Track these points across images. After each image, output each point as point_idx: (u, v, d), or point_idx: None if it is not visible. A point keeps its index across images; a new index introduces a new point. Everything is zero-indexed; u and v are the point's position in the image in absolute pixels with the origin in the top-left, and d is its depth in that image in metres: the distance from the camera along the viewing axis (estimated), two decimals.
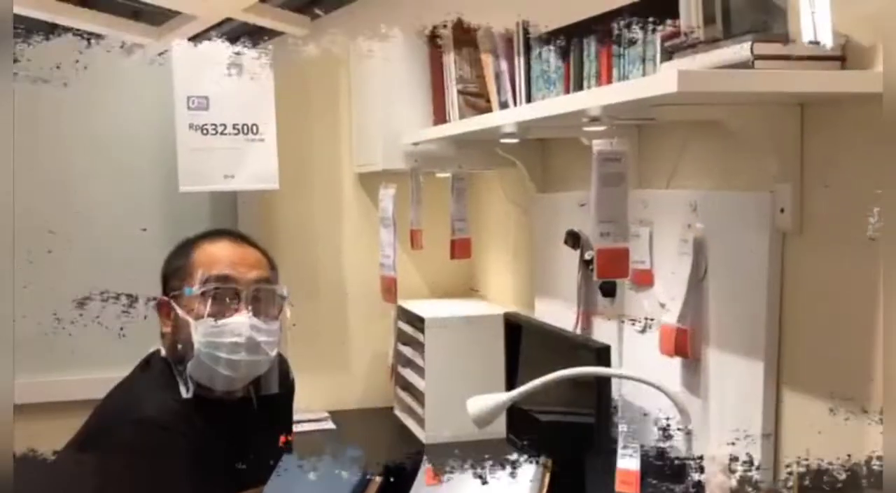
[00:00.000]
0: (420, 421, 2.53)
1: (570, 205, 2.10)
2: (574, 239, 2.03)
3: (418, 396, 2.59)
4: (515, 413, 2.15)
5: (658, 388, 1.32)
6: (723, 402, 1.54)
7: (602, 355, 1.74)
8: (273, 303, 1.60)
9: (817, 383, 1.36)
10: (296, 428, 2.45)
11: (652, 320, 1.76)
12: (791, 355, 1.42)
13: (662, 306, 1.70)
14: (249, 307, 1.55)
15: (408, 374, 2.65)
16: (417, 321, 2.57)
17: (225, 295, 1.55)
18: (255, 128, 2.49)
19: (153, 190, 2.70)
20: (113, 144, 2.68)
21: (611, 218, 1.57)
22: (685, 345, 1.61)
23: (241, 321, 1.53)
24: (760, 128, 1.38)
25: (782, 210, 1.41)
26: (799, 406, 1.40)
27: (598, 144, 1.53)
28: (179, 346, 1.55)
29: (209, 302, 1.53)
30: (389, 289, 2.42)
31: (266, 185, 2.52)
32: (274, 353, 1.58)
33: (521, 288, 2.54)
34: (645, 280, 1.78)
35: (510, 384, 2.18)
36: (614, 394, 1.81)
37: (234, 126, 2.47)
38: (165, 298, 1.60)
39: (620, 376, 1.76)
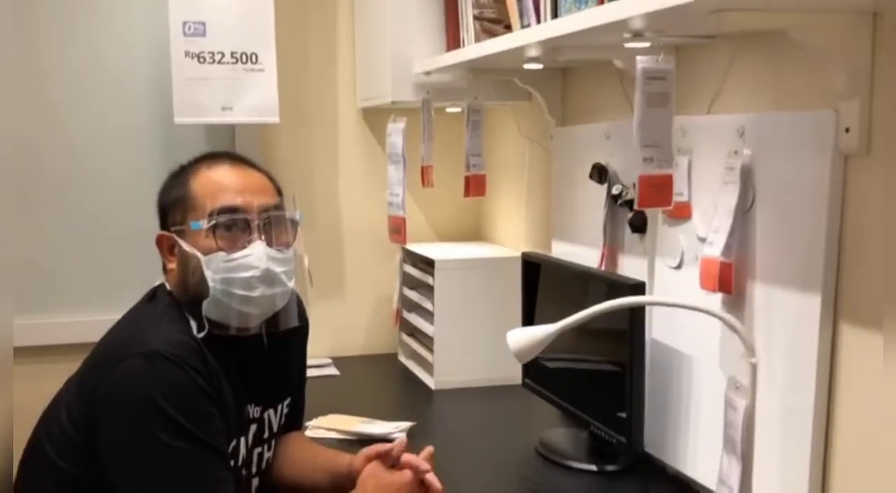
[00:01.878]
0: (428, 367, 2.43)
1: (595, 138, 1.97)
2: (600, 173, 1.91)
3: (425, 341, 2.49)
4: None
5: (722, 319, 1.22)
6: (770, 339, 1.44)
7: (637, 291, 1.64)
8: (286, 229, 1.48)
9: (880, 317, 1.26)
10: None
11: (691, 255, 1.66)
12: (851, 287, 1.32)
13: (702, 239, 1.59)
14: (262, 237, 1.43)
15: (414, 319, 2.54)
16: (425, 264, 2.47)
17: (235, 226, 1.42)
18: (254, 57, 2.34)
19: (147, 122, 2.54)
20: (104, 73, 2.52)
21: (654, 142, 1.45)
22: (728, 279, 1.50)
23: (256, 253, 1.41)
24: (828, 38, 1.26)
25: (847, 130, 1.29)
26: (858, 343, 1.30)
27: (642, 61, 1.41)
28: (189, 283, 1.42)
29: (219, 235, 1.41)
30: (398, 229, 2.30)
31: (266, 118, 2.38)
32: (292, 283, 1.46)
33: (535, 230, 2.43)
34: (682, 213, 1.67)
35: None
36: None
37: (233, 54, 2.32)
38: (168, 233, 1.47)
39: (681, 306, 1.59)
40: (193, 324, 1.41)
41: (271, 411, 1.55)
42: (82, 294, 2.54)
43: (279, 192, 1.53)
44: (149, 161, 2.52)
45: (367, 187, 2.71)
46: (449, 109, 2.45)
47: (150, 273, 1.57)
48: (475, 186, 2.17)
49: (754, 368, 1.15)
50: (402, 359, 2.65)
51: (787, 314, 1.41)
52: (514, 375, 2.30)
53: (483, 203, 2.77)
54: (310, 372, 2.43)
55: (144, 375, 1.29)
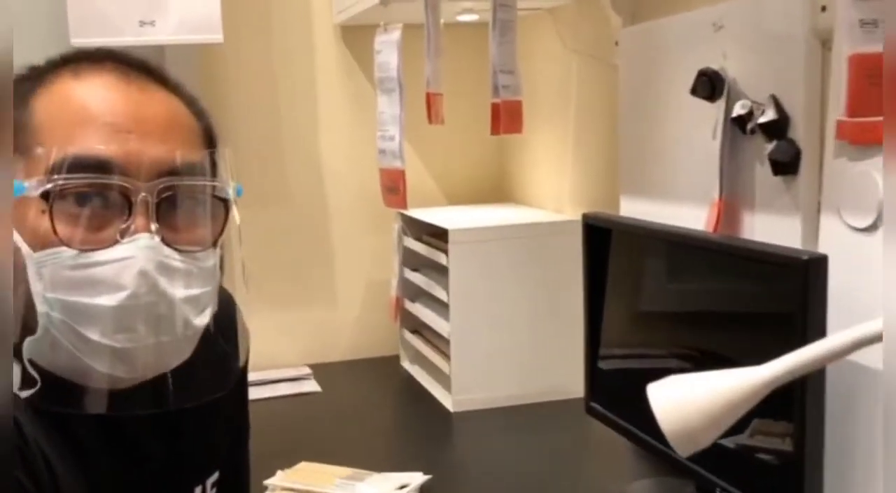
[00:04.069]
0: (442, 379, 1.76)
1: (693, 33, 1.29)
2: (711, 84, 1.22)
3: (437, 343, 1.82)
4: (601, 367, 1.39)
5: None
6: None
7: (814, 270, 0.96)
8: (203, 214, 0.78)
9: None
10: (265, 392, 1.74)
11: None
12: None
13: None
14: (154, 224, 0.73)
15: (419, 311, 1.87)
16: (435, 236, 1.79)
17: (102, 197, 0.74)
18: None
19: (36, 43, 1.83)
20: None
21: None
22: None
23: (135, 256, 0.72)
24: None
25: None
26: None
27: None
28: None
29: (63, 211, 0.73)
30: (395, 187, 1.61)
31: (203, 36, 1.69)
32: (204, 319, 0.77)
33: (590, 185, 1.75)
34: (873, 136, 0.99)
35: (594, 327, 1.41)
36: None
37: None
38: None
39: None
40: (16, 373, 0.73)
41: None
42: None
43: (209, 133, 0.83)
44: None
45: (350, 133, 2.02)
46: (462, 17, 1.76)
47: None
48: (508, 117, 1.46)
49: None
50: (406, 365, 1.98)
51: None
52: (568, 387, 1.66)
53: (510, 150, 2.08)
54: (282, 389, 1.79)
55: None
